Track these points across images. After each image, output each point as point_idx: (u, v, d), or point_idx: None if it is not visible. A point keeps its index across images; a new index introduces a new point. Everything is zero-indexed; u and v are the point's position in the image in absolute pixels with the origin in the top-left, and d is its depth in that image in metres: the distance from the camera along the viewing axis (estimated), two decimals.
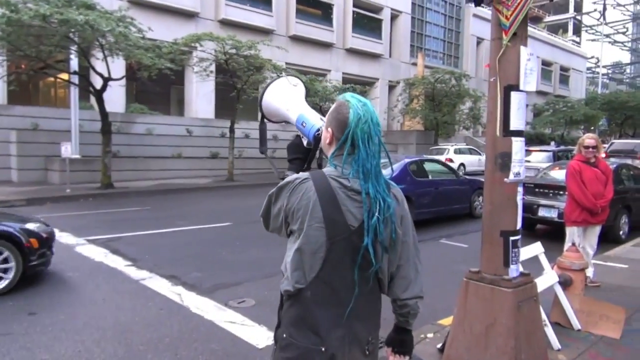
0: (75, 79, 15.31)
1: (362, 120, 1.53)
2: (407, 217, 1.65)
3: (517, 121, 3.26)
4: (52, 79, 20.22)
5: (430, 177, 10.08)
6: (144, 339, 4.05)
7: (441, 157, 18.10)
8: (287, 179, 1.58)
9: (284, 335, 1.56)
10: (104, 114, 14.75)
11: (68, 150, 14.74)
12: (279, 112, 1.91)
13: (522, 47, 3.23)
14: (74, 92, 16.07)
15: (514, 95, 3.23)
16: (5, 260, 5.10)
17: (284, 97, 1.90)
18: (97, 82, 14.67)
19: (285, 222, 1.58)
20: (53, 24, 12.34)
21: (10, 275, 5.10)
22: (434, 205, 9.85)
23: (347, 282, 1.52)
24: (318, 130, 1.74)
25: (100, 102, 14.66)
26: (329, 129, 1.60)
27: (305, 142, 1.82)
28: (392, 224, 1.54)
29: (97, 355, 3.75)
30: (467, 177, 11.06)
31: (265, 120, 1.97)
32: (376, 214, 1.49)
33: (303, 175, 1.57)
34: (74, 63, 14.94)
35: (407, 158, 10.15)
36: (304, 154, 1.80)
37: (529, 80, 3.29)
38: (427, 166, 10.39)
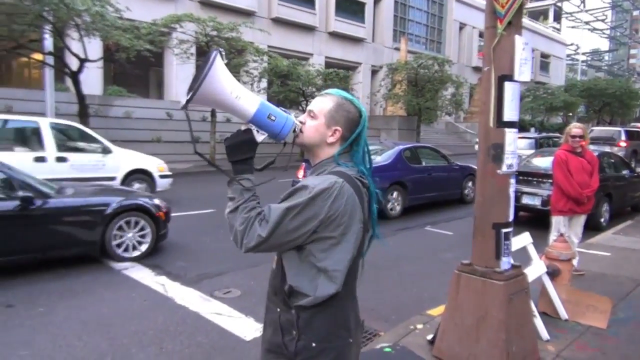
0: (50, 59, 14.78)
1: (366, 118, 1.61)
2: None
3: (510, 112, 3.21)
4: (25, 59, 19.54)
5: (423, 164, 10.17)
6: (128, 332, 3.95)
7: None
8: (320, 186, 1.42)
9: (313, 345, 1.49)
10: (80, 96, 14.34)
11: None
12: (222, 99, 1.45)
13: (516, 37, 3.16)
14: (49, 74, 15.51)
15: (507, 85, 3.18)
16: (142, 229, 5.99)
17: (230, 80, 1.46)
18: (73, 64, 14.22)
19: (309, 234, 1.44)
20: (26, 2, 11.87)
21: (149, 239, 6.03)
22: (427, 191, 9.98)
23: (356, 270, 1.59)
24: (293, 123, 1.51)
25: (77, 84, 14.23)
26: (336, 128, 1.55)
27: (259, 138, 1.50)
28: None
29: (79, 350, 3.64)
30: (458, 163, 11.17)
31: (187, 106, 1.45)
32: (375, 206, 1.61)
33: (338, 179, 1.45)
34: (49, 43, 14.40)
35: (401, 145, 10.18)
36: (253, 152, 1.52)
37: (523, 70, 3.23)
38: (421, 152, 10.50)
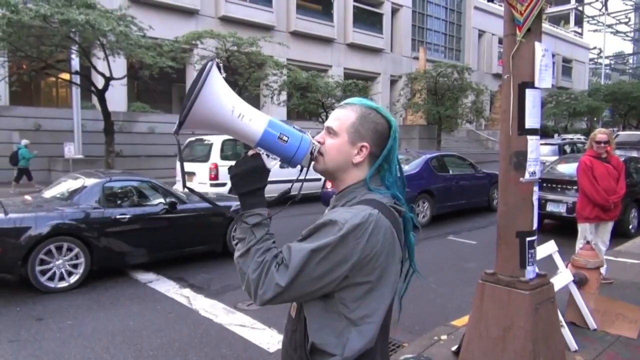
0: (77, 78, 15.26)
1: (397, 129, 1.32)
2: None
3: (532, 119, 3.18)
4: (53, 79, 20.18)
5: (450, 172, 10.20)
6: (154, 345, 4.01)
7: None
8: (354, 221, 1.14)
9: None
10: (106, 113, 14.71)
11: (71, 150, 14.73)
12: (221, 119, 1.18)
13: (536, 43, 3.14)
14: (76, 92, 16.03)
15: (528, 92, 3.15)
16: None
17: (230, 95, 1.20)
18: (99, 82, 14.61)
19: (339, 281, 1.16)
20: (54, 24, 12.30)
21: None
22: (455, 199, 10.01)
23: (390, 317, 1.33)
24: (310, 144, 1.24)
25: (102, 101, 14.61)
26: (363, 145, 1.26)
27: (270, 164, 1.24)
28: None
29: None
30: (484, 171, 11.11)
31: (180, 130, 1.17)
32: (411, 233, 1.32)
33: (372, 210, 1.18)
34: (75, 63, 14.89)
35: (428, 154, 10.23)
36: (266, 181, 1.24)
37: (544, 76, 3.20)
38: (448, 161, 10.54)
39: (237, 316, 4.62)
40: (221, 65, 1.23)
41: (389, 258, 1.19)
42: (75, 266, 5.47)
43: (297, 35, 26.47)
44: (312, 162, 1.28)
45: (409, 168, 9.38)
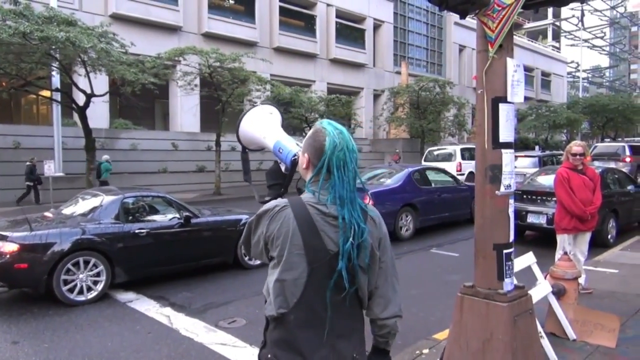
0: (58, 96, 15.14)
1: (338, 147, 1.56)
2: (386, 238, 1.69)
3: (506, 133, 3.23)
4: (33, 96, 19.96)
5: (432, 185, 10.27)
6: None
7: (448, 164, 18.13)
8: (265, 207, 1.60)
9: (269, 356, 1.58)
10: (87, 130, 14.58)
11: (51, 168, 14.53)
12: (255, 140, 1.96)
13: (508, 59, 3.21)
14: (57, 109, 15.87)
15: (502, 107, 3.21)
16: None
17: (260, 125, 1.94)
18: (80, 99, 14.51)
19: (265, 249, 1.60)
20: (33, 42, 12.21)
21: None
22: (438, 211, 10.06)
23: (320, 303, 1.56)
24: (294, 155, 1.76)
25: (84, 118, 14.49)
26: (306, 155, 1.63)
27: (283, 168, 1.84)
28: (366, 249, 1.57)
29: None
30: (466, 183, 11.23)
31: (246, 149, 2.03)
32: (350, 239, 1.52)
33: (281, 202, 1.58)
34: (56, 80, 14.78)
35: (410, 167, 10.30)
36: (282, 179, 1.84)
37: (517, 91, 3.27)
38: (430, 174, 10.61)
39: (218, 335, 4.56)
40: (259, 103, 2.05)
41: (286, 242, 1.52)
42: (97, 280, 5.67)
43: (280, 51, 26.63)
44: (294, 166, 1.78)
45: (391, 182, 9.45)
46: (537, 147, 27.52)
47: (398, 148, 26.93)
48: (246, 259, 6.91)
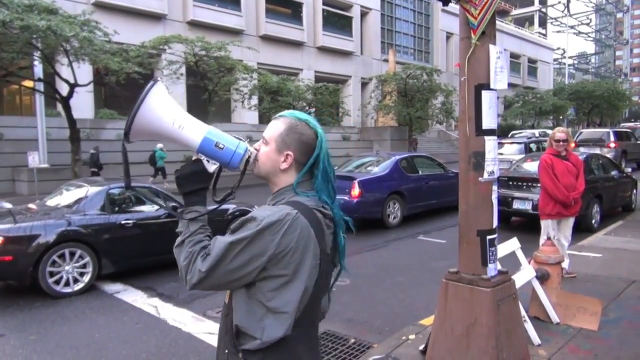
0: (40, 86, 14.89)
1: (324, 139, 1.43)
2: None
3: (489, 120, 3.24)
4: (16, 86, 19.61)
5: (420, 173, 10.30)
6: (120, 356, 3.92)
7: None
8: (269, 219, 1.27)
9: None
10: (71, 120, 14.38)
11: (35, 159, 14.35)
12: (162, 129, 1.38)
13: (491, 46, 3.21)
14: (40, 100, 15.61)
15: (484, 94, 3.22)
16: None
17: (171, 110, 1.38)
18: (63, 89, 14.29)
19: (257, 272, 1.28)
20: (14, 30, 11.96)
21: None
22: (425, 199, 10.10)
23: (316, 310, 1.43)
24: (246, 151, 1.40)
25: (67, 108, 14.28)
26: (288, 153, 1.40)
27: (211, 168, 1.41)
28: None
29: None
30: (454, 170, 11.30)
31: (130, 140, 1.39)
32: (341, 233, 1.44)
33: (289, 210, 1.30)
34: (38, 70, 14.52)
35: (397, 155, 10.29)
36: (208, 182, 1.43)
37: (500, 78, 3.28)
38: (417, 162, 10.62)
39: (206, 324, 4.57)
40: (164, 83, 1.43)
41: (304, 254, 1.30)
42: (83, 272, 5.63)
43: (267, 39, 26.41)
44: (249, 167, 1.44)
45: (378, 170, 9.47)
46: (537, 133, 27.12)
47: (386, 136, 26.97)
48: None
